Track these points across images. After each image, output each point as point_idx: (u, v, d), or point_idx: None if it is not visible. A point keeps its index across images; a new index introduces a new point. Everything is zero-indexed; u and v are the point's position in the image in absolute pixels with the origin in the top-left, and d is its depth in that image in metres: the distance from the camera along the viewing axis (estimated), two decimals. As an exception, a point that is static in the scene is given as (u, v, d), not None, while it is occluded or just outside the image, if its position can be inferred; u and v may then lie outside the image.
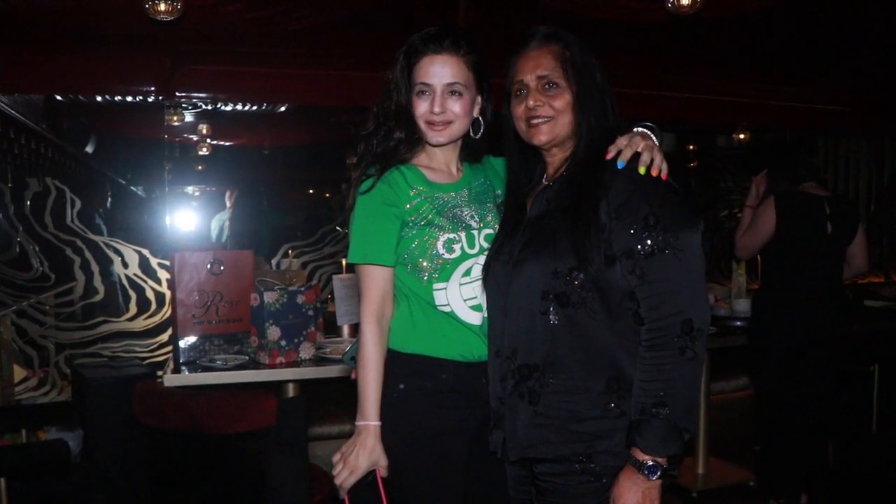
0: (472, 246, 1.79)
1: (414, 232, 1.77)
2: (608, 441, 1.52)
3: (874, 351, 4.27)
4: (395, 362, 1.79)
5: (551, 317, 1.55)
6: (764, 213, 3.47)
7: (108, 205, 4.68)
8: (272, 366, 3.00)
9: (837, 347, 3.47)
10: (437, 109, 1.77)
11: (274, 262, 4.80)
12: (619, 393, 1.52)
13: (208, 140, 5.32)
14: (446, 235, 1.77)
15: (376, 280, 1.78)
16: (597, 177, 1.55)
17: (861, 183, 6.76)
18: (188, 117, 4.86)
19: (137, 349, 4.26)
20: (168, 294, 4.20)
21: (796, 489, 3.51)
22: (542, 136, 1.65)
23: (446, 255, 1.77)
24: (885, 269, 6.60)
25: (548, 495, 1.59)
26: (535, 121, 1.65)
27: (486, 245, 1.79)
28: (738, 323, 3.96)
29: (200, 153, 5.39)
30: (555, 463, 1.56)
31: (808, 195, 3.46)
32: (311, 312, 3.12)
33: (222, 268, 3.17)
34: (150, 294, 4.31)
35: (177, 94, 4.15)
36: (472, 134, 1.87)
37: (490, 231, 1.81)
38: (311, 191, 6.18)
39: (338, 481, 1.74)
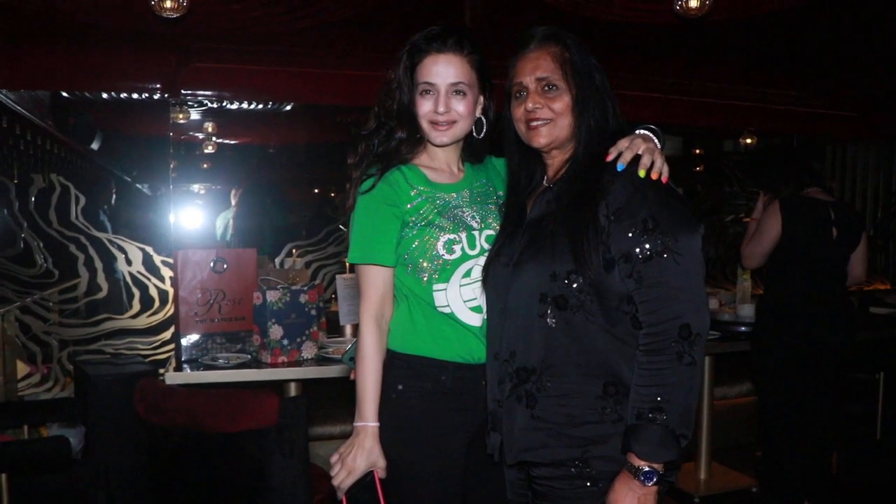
0: (472, 247, 1.78)
1: (414, 232, 1.76)
2: (604, 446, 1.51)
3: (879, 358, 4.25)
4: (394, 363, 1.79)
5: (549, 320, 1.54)
6: (769, 219, 3.45)
7: (113, 202, 4.69)
8: (274, 365, 3.00)
9: (842, 354, 3.45)
10: (441, 109, 1.76)
11: (277, 260, 4.80)
12: (616, 397, 1.51)
13: (214, 138, 5.32)
14: (447, 236, 1.76)
15: (376, 280, 1.77)
16: (596, 179, 1.54)
17: (868, 189, 6.74)
18: (194, 115, 4.86)
19: (140, 346, 4.27)
20: (171, 292, 4.20)
21: (799, 496, 3.49)
22: (541, 139, 1.64)
23: (446, 256, 1.76)
24: (892, 276, 6.56)
25: (544, 499, 1.58)
26: (535, 123, 1.64)
27: (486, 246, 1.78)
28: (743, 328, 3.94)
29: (206, 151, 5.38)
30: (551, 467, 1.55)
31: (813, 200, 3.45)
32: (313, 312, 3.12)
33: (225, 266, 3.17)
34: (153, 291, 4.32)
35: (182, 91, 4.15)
36: (474, 134, 1.86)
37: (491, 232, 1.80)
38: (315, 190, 6.18)
39: (335, 482, 1.73)
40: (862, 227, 3.56)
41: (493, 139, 1.89)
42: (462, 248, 1.77)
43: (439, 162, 1.86)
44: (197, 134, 5.25)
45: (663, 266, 1.45)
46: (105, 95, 4.26)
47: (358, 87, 4.11)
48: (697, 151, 6.78)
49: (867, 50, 4.50)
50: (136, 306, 4.30)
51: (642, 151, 1.53)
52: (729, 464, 4.22)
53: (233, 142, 5.64)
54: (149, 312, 4.32)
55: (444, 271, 1.76)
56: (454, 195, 1.83)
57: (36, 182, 4.19)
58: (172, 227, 4.52)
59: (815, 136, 6.05)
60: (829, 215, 3.42)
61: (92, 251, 4.23)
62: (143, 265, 4.31)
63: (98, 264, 4.24)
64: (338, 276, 3.59)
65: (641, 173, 1.51)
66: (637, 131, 1.62)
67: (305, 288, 3.12)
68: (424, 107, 1.78)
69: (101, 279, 4.24)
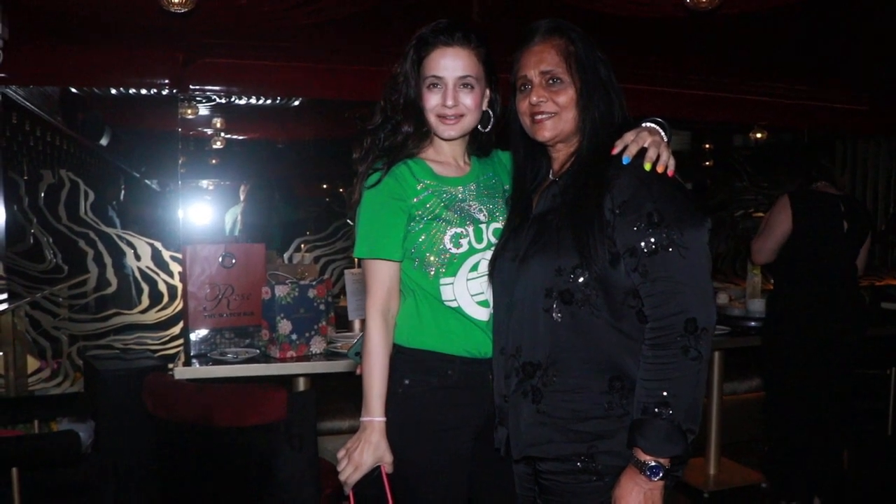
0: (479, 240, 1.77)
1: (421, 226, 1.75)
2: (610, 441, 1.50)
3: (891, 354, 4.22)
4: (400, 357, 1.78)
5: (555, 314, 1.53)
6: (779, 213, 3.43)
7: (122, 197, 4.71)
8: (283, 360, 3.01)
9: (853, 349, 3.44)
10: (449, 102, 1.75)
11: (286, 255, 4.81)
12: (622, 392, 1.50)
13: (222, 134, 5.33)
14: (454, 230, 1.75)
15: (382, 275, 1.77)
16: (601, 173, 1.53)
17: (880, 184, 6.69)
18: (202, 111, 4.87)
19: (149, 341, 4.29)
20: (180, 287, 4.21)
21: (809, 492, 3.47)
22: (545, 132, 1.63)
23: (453, 250, 1.75)
24: (903, 271, 6.52)
25: (550, 494, 1.58)
26: (539, 117, 1.63)
27: (494, 240, 1.77)
28: (753, 323, 3.93)
29: (214, 147, 5.40)
30: (557, 462, 1.55)
31: (823, 194, 3.43)
32: (322, 307, 3.12)
33: (234, 261, 3.18)
34: (162, 287, 4.34)
35: (191, 87, 4.16)
36: (481, 128, 1.85)
37: (498, 225, 1.79)
38: (324, 185, 6.19)
39: (342, 477, 1.73)
40: (870, 221, 3.54)
41: (499, 133, 1.88)
42: (469, 242, 1.76)
43: (445, 156, 1.86)
44: (205, 129, 5.27)
45: (668, 260, 1.44)
46: (114, 91, 4.28)
47: (366, 83, 4.10)
48: (707, 146, 6.75)
49: (878, 44, 4.46)
50: (145, 301, 4.32)
51: (648, 144, 1.52)
52: (738, 459, 4.21)
53: (241, 137, 5.65)
54: (158, 308, 4.34)
55: (452, 265, 1.75)
56: (461, 189, 1.82)
57: (45, 178, 4.21)
58: (181, 222, 4.54)
59: (826, 130, 6.01)
60: (840, 209, 3.40)
61: (101, 247, 4.26)
62: (151, 260, 4.33)
63: (107, 260, 4.26)
64: (346, 271, 3.59)
65: (647, 166, 1.49)
66: (643, 124, 1.61)
67: (314, 283, 3.12)
68: (432, 100, 1.77)
69: (110, 274, 4.27)
